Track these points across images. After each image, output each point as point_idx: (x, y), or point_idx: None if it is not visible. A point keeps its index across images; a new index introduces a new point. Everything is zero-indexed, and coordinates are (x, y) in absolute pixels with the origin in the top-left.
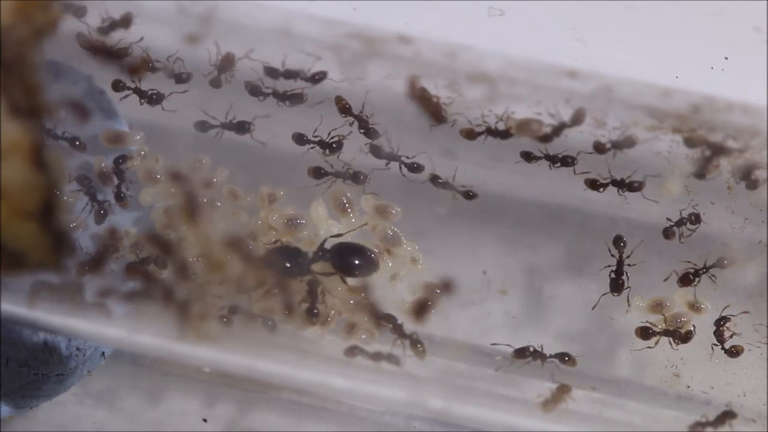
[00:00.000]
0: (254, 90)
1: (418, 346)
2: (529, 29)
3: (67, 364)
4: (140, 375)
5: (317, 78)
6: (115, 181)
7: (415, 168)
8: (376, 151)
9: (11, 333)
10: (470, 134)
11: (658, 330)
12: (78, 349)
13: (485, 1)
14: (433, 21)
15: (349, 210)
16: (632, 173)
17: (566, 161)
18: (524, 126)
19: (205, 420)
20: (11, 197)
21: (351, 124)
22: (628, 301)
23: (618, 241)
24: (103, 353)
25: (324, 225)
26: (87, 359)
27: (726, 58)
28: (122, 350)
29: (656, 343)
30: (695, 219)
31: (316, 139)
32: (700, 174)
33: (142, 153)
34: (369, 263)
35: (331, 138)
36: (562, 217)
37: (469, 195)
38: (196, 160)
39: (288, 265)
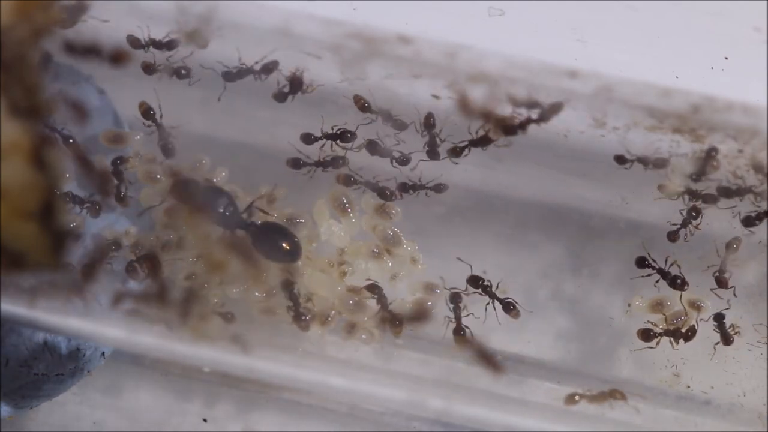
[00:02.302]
0: (279, 96)
1: (397, 323)
2: (529, 29)
3: (67, 364)
4: (140, 375)
5: (269, 68)
6: (115, 181)
7: (403, 161)
8: (372, 148)
9: (11, 333)
10: (455, 152)
11: (659, 331)
12: (78, 349)
13: (485, 1)
14: (433, 21)
15: (349, 210)
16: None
17: (659, 164)
18: (498, 124)
19: (205, 420)
20: (11, 197)
21: (374, 120)
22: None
23: (641, 263)
24: (103, 353)
25: (325, 224)
26: (87, 359)
27: (726, 58)
28: (122, 350)
29: (657, 343)
30: (696, 213)
31: (322, 135)
32: (699, 175)
33: (140, 154)
34: (293, 249)
35: (337, 129)
36: (562, 217)
37: (439, 188)
38: (196, 159)
39: (220, 210)
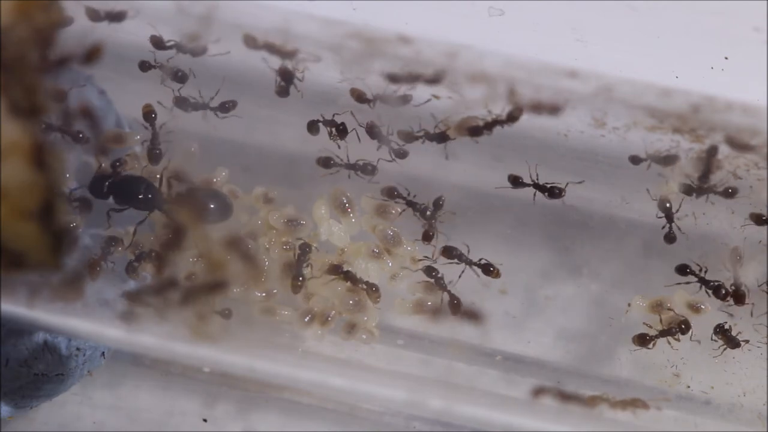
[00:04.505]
0: (281, 92)
1: (373, 289)
2: (529, 29)
3: (67, 364)
4: (140, 375)
5: (227, 107)
6: None
7: (401, 154)
8: (372, 131)
9: (11, 333)
10: (408, 136)
11: (655, 334)
12: (78, 349)
13: (485, 1)
14: (433, 21)
15: (349, 210)
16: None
17: (668, 161)
18: (463, 125)
19: (205, 420)
20: (11, 197)
21: (372, 108)
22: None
23: (683, 270)
24: (103, 353)
25: (325, 224)
26: (87, 359)
27: (726, 58)
28: (122, 350)
29: (653, 345)
30: (670, 206)
31: (323, 120)
32: (704, 175)
33: (138, 155)
34: (223, 208)
35: (338, 121)
36: (562, 217)
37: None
38: (187, 151)
39: (139, 196)
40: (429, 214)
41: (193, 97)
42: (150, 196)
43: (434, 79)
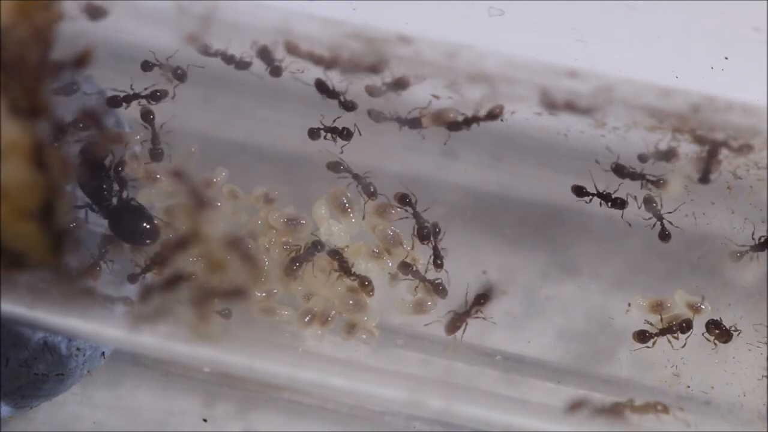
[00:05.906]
0: (274, 72)
1: (366, 283)
2: (529, 29)
3: (67, 364)
4: (140, 375)
5: (158, 95)
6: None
7: (349, 106)
8: (320, 87)
9: (11, 333)
10: (377, 116)
11: (654, 331)
12: (78, 349)
13: (485, 1)
14: (433, 21)
15: (349, 210)
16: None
17: (667, 155)
18: (439, 116)
19: (205, 420)
20: (11, 197)
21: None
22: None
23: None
24: (103, 353)
25: (325, 224)
26: (87, 359)
27: (726, 58)
28: (122, 350)
29: (654, 343)
30: (655, 204)
31: (324, 128)
32: (705, 176)
33: (137, 155)
34: (149, 231)
35: (340, 126)
36: (562, 217)
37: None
38: (186, 150)
39: (101, 185)
40: (425, 233)
41: (124, 91)
42: (99, 191)
43: (373, 68)
